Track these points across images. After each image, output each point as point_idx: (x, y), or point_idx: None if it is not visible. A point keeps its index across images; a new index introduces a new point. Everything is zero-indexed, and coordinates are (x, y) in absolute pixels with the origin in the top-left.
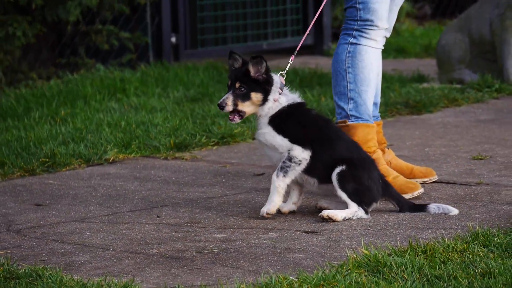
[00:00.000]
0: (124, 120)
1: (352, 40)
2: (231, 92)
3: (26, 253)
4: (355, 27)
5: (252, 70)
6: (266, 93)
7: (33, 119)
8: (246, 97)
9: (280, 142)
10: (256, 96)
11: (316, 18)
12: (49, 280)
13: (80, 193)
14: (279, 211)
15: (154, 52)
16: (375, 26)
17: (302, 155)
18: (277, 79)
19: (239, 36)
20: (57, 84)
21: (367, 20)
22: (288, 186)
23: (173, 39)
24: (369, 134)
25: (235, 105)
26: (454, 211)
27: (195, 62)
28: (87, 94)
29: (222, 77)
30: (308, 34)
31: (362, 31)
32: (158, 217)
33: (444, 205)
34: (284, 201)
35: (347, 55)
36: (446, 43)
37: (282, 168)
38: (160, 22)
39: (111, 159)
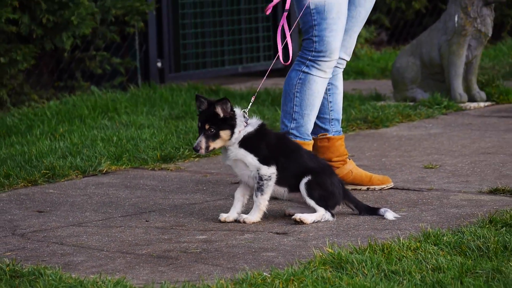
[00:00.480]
0: (116, 135)
1: (304, 69)
2: (202, 134)
3: (29, 254)
4: (310, 57)
5: (220, 112)
6: (232, 128)
7: (35, 136)
8: (216, 136)
9: (251, 160)
10: (225, 133)
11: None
12: (50, 278)
13: (77, 201)
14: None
15: (142, 75)
16: (328, 58)
17: (269, 171)
18: (239, 111)
19: (217, 60)
20: (56, 104)
21: (321, 51)
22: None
23: (159, 64)
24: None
25: (207, 145)
26: (392, 215)
27: (179, 84)
28: (83, 113)
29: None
30: (277, 59)
31: (315, 62)
32: (146, 221)
33: (388, 210)
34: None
35: (297, 81)
36: (400, 66)
37: (258, 188)
38: (147, 49)
39: (105, 170)
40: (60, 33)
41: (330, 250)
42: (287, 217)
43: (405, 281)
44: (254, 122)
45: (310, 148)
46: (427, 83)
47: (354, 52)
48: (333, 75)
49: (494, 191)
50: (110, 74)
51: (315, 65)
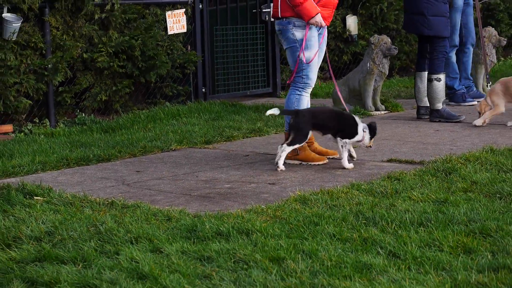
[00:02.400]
0: (180, 129)
1: (298, 93)
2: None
3: (132, 195)
4: (300, 86)
5: None
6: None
7: (134, 129)
8: None
9: None
10: None
11: (273, 77)
12: (143, 208)
13: (158, 165)
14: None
15: (194, 96)
16: (311, 86)
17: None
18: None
19: (236, 87)
20: (146, 112)
21: (307, 83)
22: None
23: (203, 89)
24: None
25: None
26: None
27: (214, 101)
28: (161, 117)
29: (228, 109)
30: (268, 86)
31: (304, 89)
32: (196, 177)
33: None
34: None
35: (295, 100)
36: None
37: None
38: (197, 81)
39: (173, 148)
40: (148, 73)
41: (299, 193)
42: (275, 173)
43: (340, 210)
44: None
45: None
46: (352, 101)
47: None
48: None
49: (389, 160)
50: (176, 96)
51: (304, 90)
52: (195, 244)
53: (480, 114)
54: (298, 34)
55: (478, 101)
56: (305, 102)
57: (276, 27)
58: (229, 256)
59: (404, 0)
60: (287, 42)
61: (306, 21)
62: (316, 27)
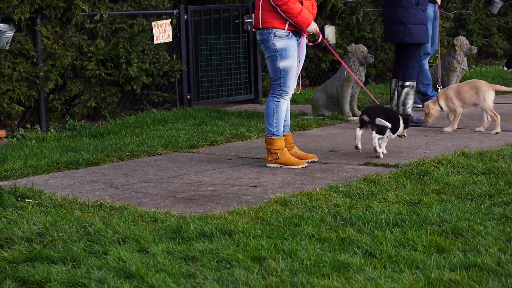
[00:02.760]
0: (165, 134)
1: (276, 99)
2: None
3: (119, 198)
4: (278, 93)
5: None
6: None
7: (122, 134)
8: None
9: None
10: None
11: (254, 84)
12: (130, 210)
13: (145, 169)
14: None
15: (179, 103)
16: (289, 93)
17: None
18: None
19: (220, 94)
20: (134, 118)
21: (285, 91)
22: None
23: (188, 96)
24: (281, 142)
25: None
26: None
27: (199, 107)
28: (147, 123)
29: (212, 115)
30: (250, 93)
31: (282, 96)
32: (181, 179)
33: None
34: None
35: (274, 106)
36: (315, 97)
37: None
38: (182, 89)
39: (160, 153)
40: (134, 81)
41: (279, 195)
42: (257, 176)
43: (319, 211)
44: None
45: (283, 141)
46: (330, 107)
47: None
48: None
49: (366, 164)
50: (162, 102)
51: (282, 98)
52: (180, 244)
53: (427, 115)
54: (278, 44)
55: (426, 103)
56: (284, 108)
57: (258, 37)
58: (213, 255)
59: (383, 13)
60: (267, 52)
61: (305, 29)
62: (295, 36)
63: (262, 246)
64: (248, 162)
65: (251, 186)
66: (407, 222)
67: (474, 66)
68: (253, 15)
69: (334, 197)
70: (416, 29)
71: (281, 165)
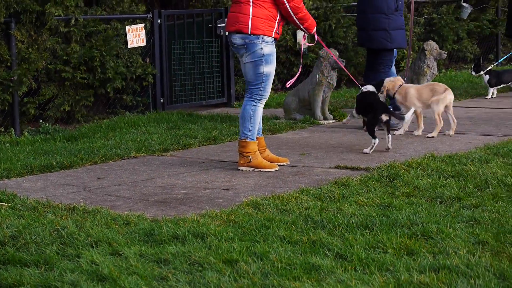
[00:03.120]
0: (139, 138)
1: (254, 103)
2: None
3: (92, 201)
4: (257, 97)
5: None
6: None
7: (96, 138)
8: None
9: None
10: None
11: (227, 88)
12: (103, 213)
13: (118, 172)
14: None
15: (153, 106)
16: (266, 98)
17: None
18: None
19: (193, 97)
20: (107, 122)
21: (263, 95)
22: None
23: (161, 100)
24: (255, 146)
25: None
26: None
27: (172, 111)
28: (121, 126)
29: (185, 118)
30: (223, 97)
31: (259, 100)
32: (154, 183)
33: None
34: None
35: (251, 111)
36: (287, 101)
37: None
38: (155, 92)
39: (133, 156)
40: (108, 84)
41: (251, 198)
42: (229, 180)
43: (291, 214)
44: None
45: (256, 144)
46: (302, 110)
47: None
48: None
49: (337, 167)
50: (136, 106)
51: (259, 102)
52: (152, 247)
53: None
54: (266, 49)
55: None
56: (261, 113)
57: (239, 41)
58: (185, 258)
59: (359, 18)
60: (252, 56)
61: (312, 31)
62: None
63: (234, 249)
64: (220, 165)
65: (224, 189)
66: (377, 225)
67: (444, 70)
68: (226, 19)
69: (306, 200)
70: (397, 34)
71: (253, 168)
